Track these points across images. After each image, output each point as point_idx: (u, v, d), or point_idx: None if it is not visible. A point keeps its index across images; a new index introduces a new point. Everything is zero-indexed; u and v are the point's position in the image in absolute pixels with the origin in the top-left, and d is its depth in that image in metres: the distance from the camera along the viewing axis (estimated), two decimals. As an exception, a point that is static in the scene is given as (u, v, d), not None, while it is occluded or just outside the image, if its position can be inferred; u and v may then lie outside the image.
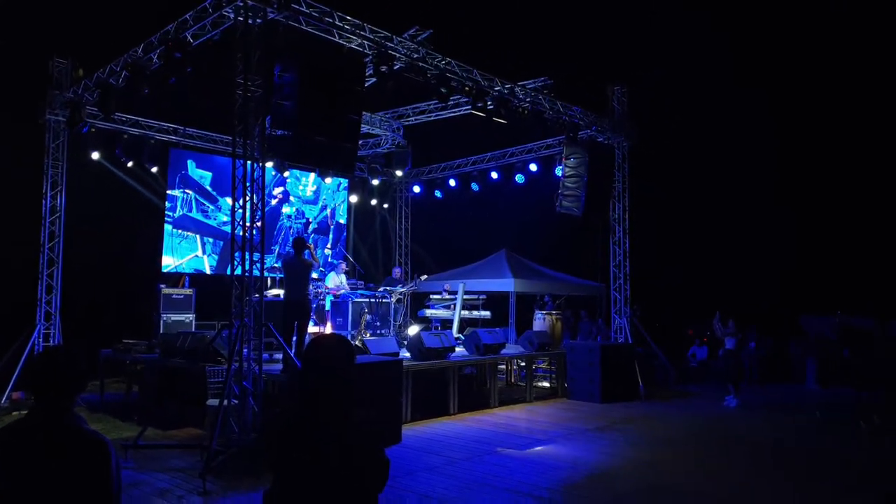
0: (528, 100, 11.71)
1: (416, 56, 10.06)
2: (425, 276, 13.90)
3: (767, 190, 18.90)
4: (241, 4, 7.90)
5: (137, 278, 13.58)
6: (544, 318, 13.11)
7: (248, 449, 7.25)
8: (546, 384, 12.78)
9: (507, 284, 14.21)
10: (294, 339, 9.15)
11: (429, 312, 13.73)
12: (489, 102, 11.05)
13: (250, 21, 7.99)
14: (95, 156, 12.40)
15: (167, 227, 13.48)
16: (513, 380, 13.46)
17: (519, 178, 14.44)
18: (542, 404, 11.43)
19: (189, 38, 8.99)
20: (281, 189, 15.12)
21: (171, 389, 9.93)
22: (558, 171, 12.91)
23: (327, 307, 12.20)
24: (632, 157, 13.66)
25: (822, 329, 13.35)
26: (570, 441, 8.60)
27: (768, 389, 13.77)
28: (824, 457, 8.24)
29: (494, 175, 14.99)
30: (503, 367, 12.20)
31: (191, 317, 12.66)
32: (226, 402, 7.44)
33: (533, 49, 17.05)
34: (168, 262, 13.49)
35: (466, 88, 10.77)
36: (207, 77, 10.06)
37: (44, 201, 11.96)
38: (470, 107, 11.51)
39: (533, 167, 14.21)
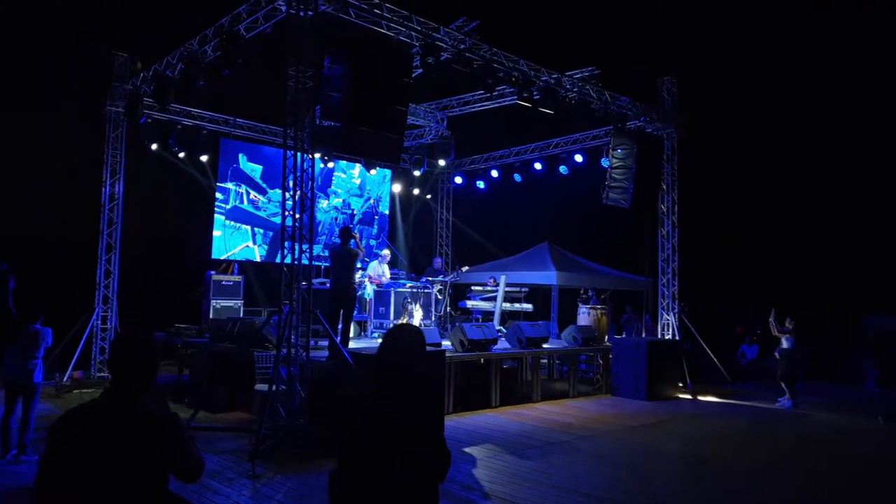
0: (574, 90, 11.58)
1: (462, 47, 10.04)
2: (466, 268, 13.93)
3: (825, 183, 18.25)
4: (293, -3, 8.01)
5: (189, 264, 14.00)
6: (589, 313, 12.98)
7: (295, 434, 7.43)
8: (589, 380, 12.68)
9: (549, 277, 14.11)
10: (340, 326, 9.30)
11: (470, 304, 13.75)
12: (535, 93, 10.96)
13: (301, 13, 8.10)
14: (154, 146, 12.76)
15: (220, 219, 13.82)
16: (555, 375, 13.39)
17: (563, 169, 14.29)
18: (586, 400, 11.34)
19: (242, 30, 9.18)
20: (322, 179, 15.33)
21: (221, 374, 10.20)
22: (605, 163, 12.73)
23: (368, 296, 12.34)
24: (681, 149, 13.38)
25: (886, 328, 12.84)
26: (615, 438, 8.52)
27: (824, 390, 13.30)
28: (886, 466, 7.97)
29: (538, 166, 14.87)
30: (545, 361, 12.14)
31: (239, 303, 12.98)
32: (274, 387, 7.63)
33: (581, 39, 16.80)
34: (220, 251, 13.85)
35: (512, 79, 10.71)
36: (258, 69, 10.28)
37: (103, 189, 12.43)
38: (515, 97, 11.46)
39: (578, 158, 14.04)
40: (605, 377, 12.16)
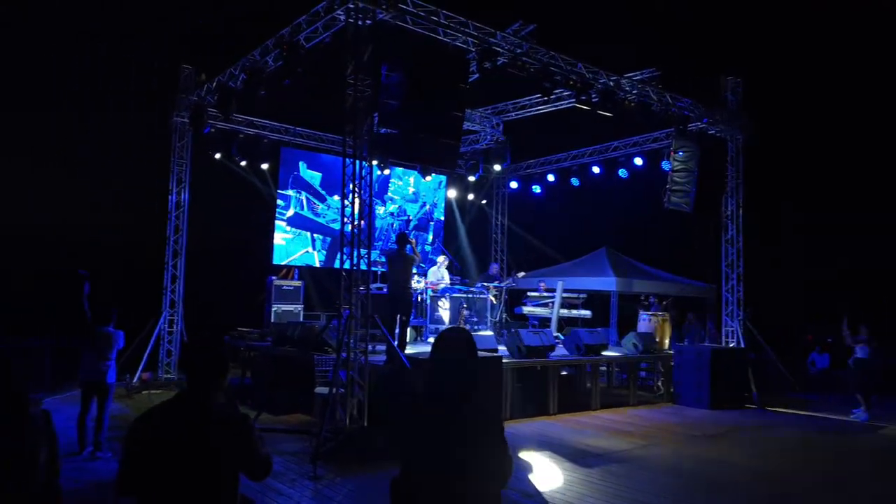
0: (634, 92, 11.36)
1: (519, 51, 10.00)
2: (523, 273, 13.82)
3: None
4: (352, 6, 8.14)
5: (251, 270, 14.37)
6: (649, 320, 12.68)
7: (354, 437, 7.51)
8: (650, 388, 12.37)
9: (608, 283, 13.86)
10: (397, 331, 9.36)
11: (526, 310, 13.63)
12: (594, 95, 10.81)
13: (360, 22, 8.22)
14: (217, 156, 13.16)
15: (280, 225, 14.14)
16: (614, 382, 13.13)
17: (622, 172, 14.01)
18: (646, 408, 11.07)
19: (302, 40, 9.38)
20: (379, 186, 15.50)
21: (282, 376, 10.42)
22: (666, 166, 12.44)
23: (427, 301, 12.39)
24: (745, 151, 12.94)
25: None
26: (677, 448, 8.28)
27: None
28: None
29: (596, 170, 14.62)
30: (604, 368, 11.92)
31: (299, 307, 13.25)
32: (334, 390, 7.74)
33: (640, 40, 16.48)
34: (281, 256, 14.16)
35: (570, 82, 10.59)
36: (317, 78, 10.49)
37: (170, 197, 12.91)
38: (572, 100, 11.34)
39: (638, 161, 13.74)
40: (667, 385, 11.84)
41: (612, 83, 11.07)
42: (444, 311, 12.25)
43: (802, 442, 9.04)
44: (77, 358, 7.80)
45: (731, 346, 12.45)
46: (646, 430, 9.27)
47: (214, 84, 11.64)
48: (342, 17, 8.60)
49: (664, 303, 14.28)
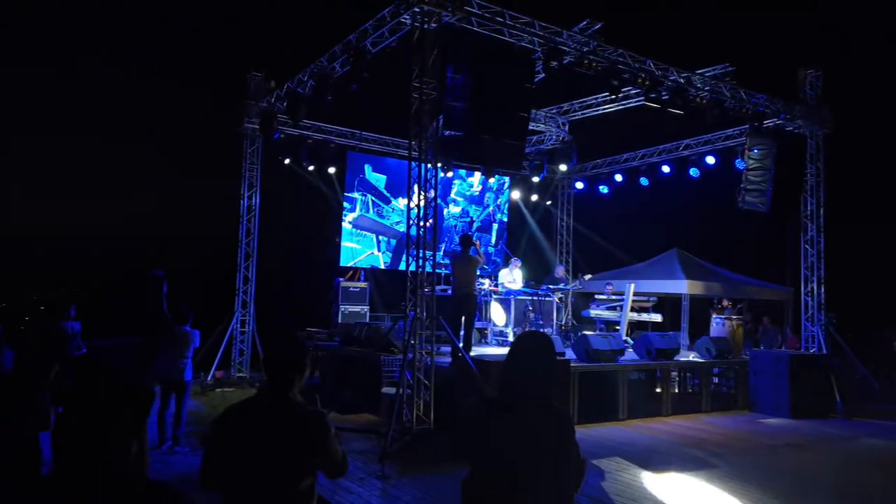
0: (706, 88, 10.99)
1: (586, 49, 9.83)
2: (589, 276, 13.57)
3: None
4: (418, 10, 8.20)
5: (319, 271, 14.68)
6: (723, 324, 12.21)
7: (421, 437, 7.54)
8: (724, 394, 11.90)
9: (679, 286, 13.45)
10: (462, 332, 9.35)
11: (593, 313, 13.37)
12: (663, 93, 10.52)
13: (425, 26, 8.27)
14: (287, 161, 13.50)
15: (346, 227, 14.38)
16: (686, 388, 12.71)
17: (693, 171, 13.57)
18: (721, 415, 10.65)
19: (369, 45, 9.51)
20: (444, 188, 15.55)
21: (349, 376, 10.58)
22: (740, 164, 11.97)
23: (491, 303, 12.35)
24: (827, 147, 12.31)
25: None
26: (756, 457, 7.92)
27: None
28: None
29: (666, 169, 14.21)
30: (675, 373, 11.55)
31: (365, 308, 13.43)
32: (400, 391, 7.79)
33: (712, 35, 15.94)
34: (347, 258, 14.40)
35: (639, 80, 10.35)
36: (382, 82, 10.62)
37: (242, 201, 13.34)
38: (641, 99, 11.08)
39: (710, 160, 13.27)
40: (742, 392, 11.37)
41: (682, 80, 10.75)
42: (499, 314, 12.15)
43: (891, 455, 8.49)
44: (157, 356, 8.15)
45: (812, 351, 11.85)
46: (721, 437, 8.91)
47: (284, 91, 11.95)
48: (408, 21, 8.66)
49: (738, 306, 13.72)
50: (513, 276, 12.44)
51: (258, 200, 13.44)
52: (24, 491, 2.61)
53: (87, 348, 10.06)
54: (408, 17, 8.56)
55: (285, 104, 11.81)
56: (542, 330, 11.68)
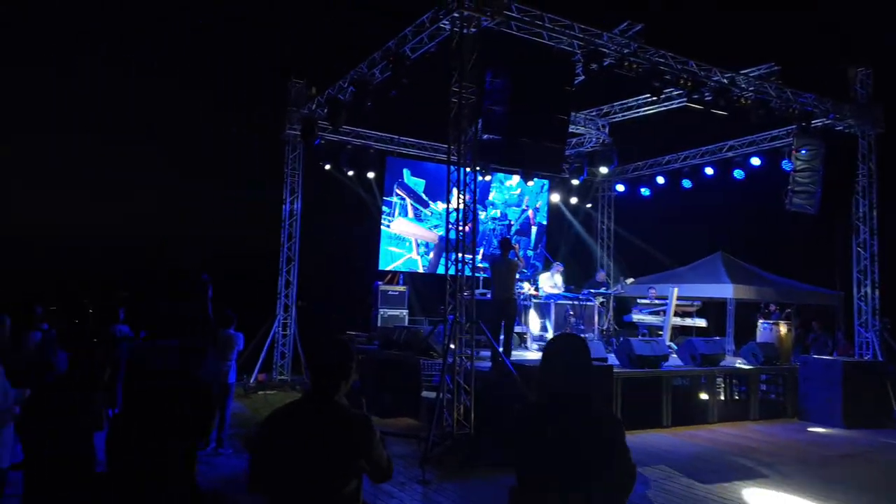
0: (751, 89, 10.73)
1: (626, 51, 9.71)
2: (631, 280, 13.36)
3: None
4: (457, 16, 8.21)
5: (358, 275, 14.80)
6: (770, 329, 11.87)
7: (461, 442, 7.52)
8: (772, 401, 11.57)
9: (723, 290, 13.14)
10: (501, 337, 9.30)
11: (635, 317, 13.15)
12: (706, 94, 10.32)
13: (465, 31, 8.28)
14: (327, 167, 13.66)
15: (385, 231, 14.47)
16: (731, 395, 12.40)
17: (738, 173, 13.24)
18: (769, 423, 10.35)
19: (408, 51, 9.57)
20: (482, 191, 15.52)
21: (388, 380, 10.63)
22: (787, 165, 11.65)
23: (531, 308, 12.25)
24: (879, 147, 11.88)
25: None
26: (807, 467, 7.66)
27: None
28: None
29: (709, 171, 13.90)
30: (720, 380, 11.26)
31: (404, 312, 13.47)
32: (440, 395, 7.78)
33: (757, 34, 15.56)
34: (386, 262, 14.49)
35: (681, 81, 10.16)
36: (420, 88, 10.67)
37: (284, 206, 13.56)
38: (683, 100, 10.89)
39: (755, 161, 12.93)
40: (791, 400, 11.03)
41: (725, 80, 10.52)
42: (539, 319, 12.05)
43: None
44: (202, 358, 8.31)
45: (866, 358, 11.43)
46: (770, 446, 8.66)
47: (325, 97, 12.11)
48: (447, 27, 8.69)
49: (786, 311, 13.34)
50: (554, 281, 12.31)
51: (300, 205, 13.64)
52: (79, 491, 2.68)
53: (135, 351, 10.33)
54: (447, 22, 8.58)
55: (326, 111, 11.96)
56: (583, 335, 11.56)
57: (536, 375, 2.63)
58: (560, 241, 16.84)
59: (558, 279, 12.40)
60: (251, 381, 12.57)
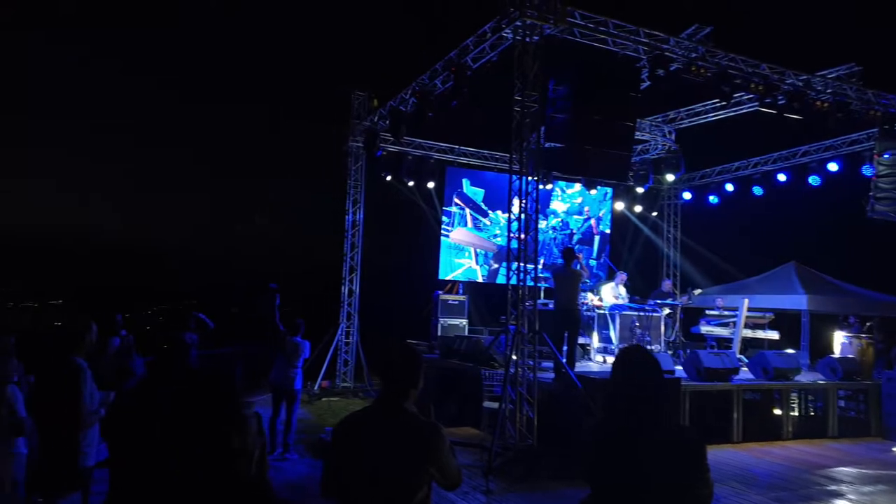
0: (828, 91, 10.28)
1: (694, 55, 9.47)
2: (699, 290, 12.96)
3: None
4: (520, 24, 8.20)
5: (418, 284, 14.92)
6: (850, 343, 11.28)
7: (524, 453, 7.44)
8: (851, 419, 10.96)
9: (797, 301, 12.57)
10: (565, 348, 9.17)
11: (703, 329, 12.71)
12: (780, 98, 9.94)
13: (527, 39, 8.26)
14: (388, 178, 13.84)
15: (445, 240, 14.52)
16: (806, 410, 11.83)
17: (813, 179, 12.68)
18: (849, 442, 9.81)
19: (469, 61, 9.61)
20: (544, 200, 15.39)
21: (450, 389, 10.63)
22: (868, 171, 11.09)
23: (594, 319, 12.03)
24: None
25: None
26: (892, 493, 7.21)
27: None
28: None
29: (782, 177, 13.36)
30: (794, 395, 10.76)
31: (464, 321, 13.48)
32: (503, 405, 7.73)
33: (835, 33, 14.92)
34: (445, 272, 14.53)
35: (752, 85, 9.82)
36: (481, 97, 10.71)
37: (346, 217, 13.82)
38: (754, 104, 10.54)
39: (832, 167, 12.36)
40: (875, 418, 10.42)
41: (800, 83, 10.11)
42: (599, 331, 11.81)
43: None
44: (270, 365, 8.53)
45: (957, 376, 10.68)
46: (850, 466, 8.20)
47: (387, 109, 12.29)
48: (509, 36, 8.68)
49: (868, 324, 12.64)
50: (617, 292, 12.04)
51: (362, 216, 13.87)
52: (151, 492, 2.78)
53: (204, 358, 10.68)
54: (510, 31, 8.57)
55: (387, 122, 12.14)
56: (649, 346, 11.27)
57: (607, 388, 2.59)
58: (624, 250, 16.50)
59: (622, 289, 12.12)
60: (315, 387, 12.81)
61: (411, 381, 2.67)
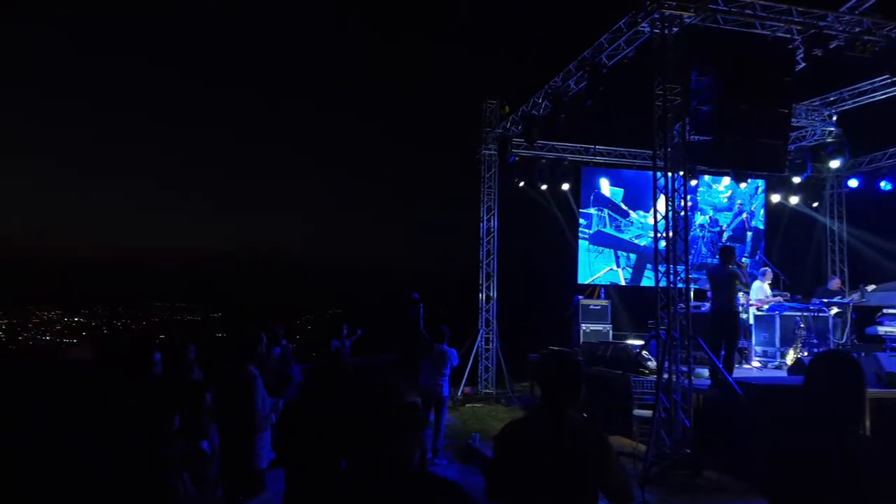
0: None
1: (858, 30, 8.58)
2: (873, 286, 11.63)
3: None
4: (657, 16, 7.87)
5: (557, 290, 14.73)
6: None
7: (681, 463, 7.08)
8: None
9: None
10: (722, 353, 8.62)
11: (882, 330, 11.38)
12: (969, 66, 8.75)
13: (666, 31, 7.91)
14: (521, 183, 13.81)
15: (583, 244, 14.21)
16: None
17: None
18: None
19: (604, 59, 9.37)
20: (690, 197, 14.60)
21: (596, 397, 10.35)
22: None
23: (750, 321, 11.23)
24: None
25: None
26: None
27: None
28: None
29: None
30: None
31: (608, 327, 13.09)
32: (656, 414, 7.41)
33: None
34: (585, 276, 14.21)
35: (932, 54, 8.72)
36: (616, 94, 10.39)
37: (481, 224, 13.97)
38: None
39: None
40: None
41: None
42: (757, 334, 10.96)
43: None
44: (418, 372, 8.79)
45: None
46: None
47: (519, 114, 12.29)
48: (646, 30, 8.37)
49: None
50: (766, 291, 11.19)
51: (496, 223, 13.95)
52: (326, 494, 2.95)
53: (359, 366, 11.21)
54: (646, 24, 8.26)
55: (520, 127, 12.13)
56: (815, 350, 10.33)
57: (802, 394, 2.38)
58: (782, 245, 15.23)
59: (767, 288, 11.23)
60: (458, 393, 13.02)
61: (574, 389, 2.64)
